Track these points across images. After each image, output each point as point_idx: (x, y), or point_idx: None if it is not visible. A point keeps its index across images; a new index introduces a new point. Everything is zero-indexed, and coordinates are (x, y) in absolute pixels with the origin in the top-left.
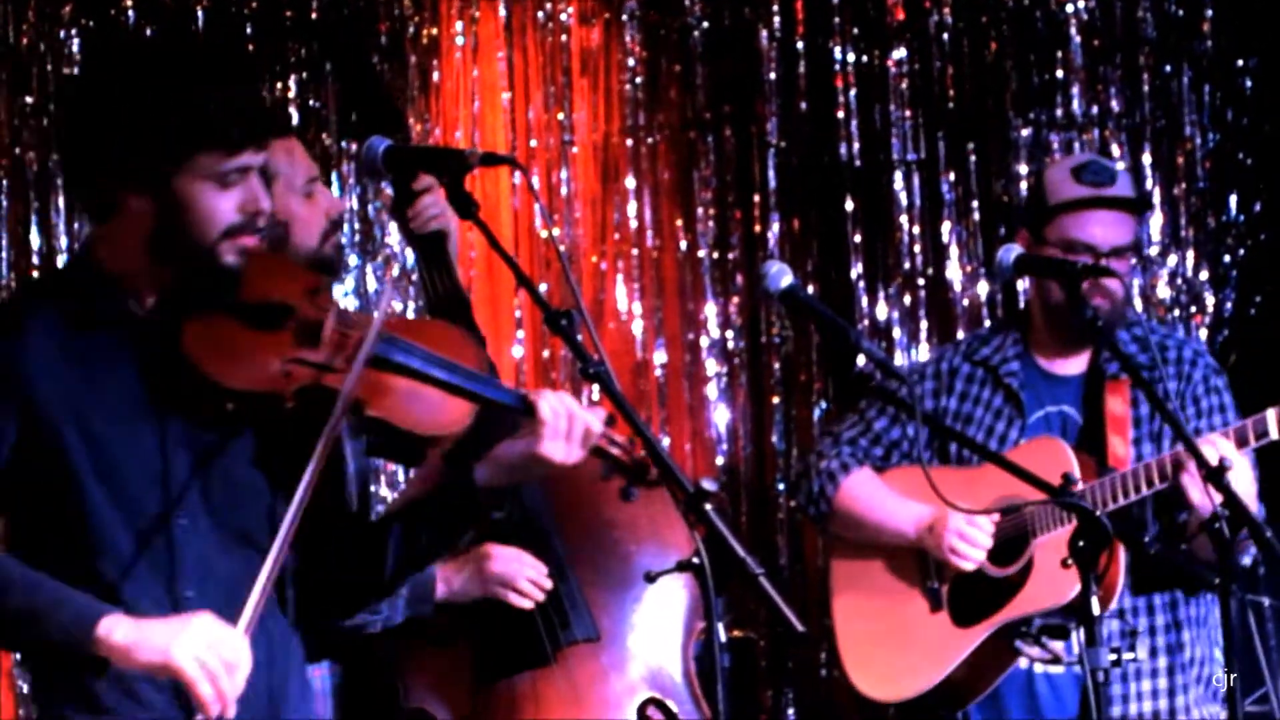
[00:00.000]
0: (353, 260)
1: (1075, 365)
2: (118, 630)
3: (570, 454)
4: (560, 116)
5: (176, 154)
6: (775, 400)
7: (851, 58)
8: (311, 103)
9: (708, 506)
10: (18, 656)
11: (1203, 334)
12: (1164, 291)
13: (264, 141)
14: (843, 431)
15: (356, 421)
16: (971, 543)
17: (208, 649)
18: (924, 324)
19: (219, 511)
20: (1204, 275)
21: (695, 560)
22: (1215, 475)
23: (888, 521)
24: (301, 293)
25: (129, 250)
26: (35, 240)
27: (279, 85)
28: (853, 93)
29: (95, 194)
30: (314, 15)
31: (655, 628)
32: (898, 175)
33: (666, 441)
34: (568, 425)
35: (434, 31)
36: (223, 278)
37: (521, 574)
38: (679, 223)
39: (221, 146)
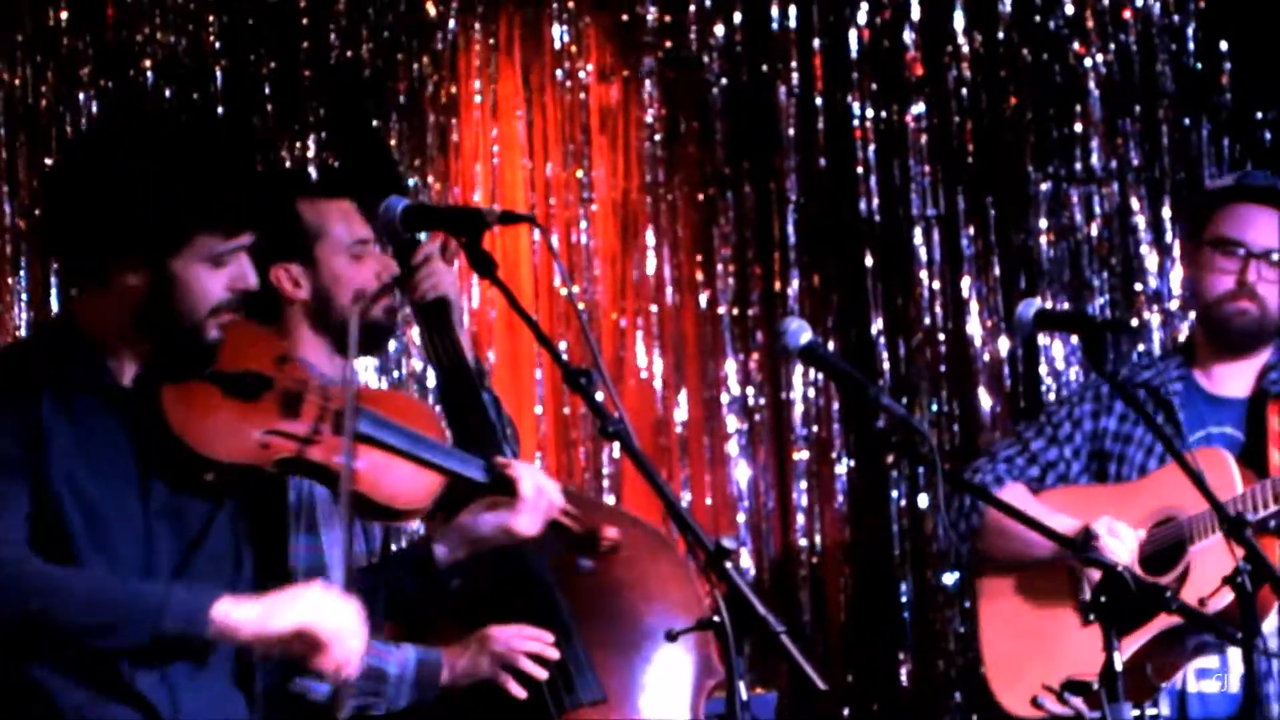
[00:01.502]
0: None
1: (1239, 387)
2: (236, 609)
3: (536, 527)
4: (579, 174)
5: (178, 236)
6: (796, 456)
7: (870, 113)
8: (331, 162)
9: (728, 564)
10: None
11: None
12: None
13: (259, 223)
14: (999, 449)
15: (334, 494)
16: (1113, 552)
17: (335, 613)
18: (944, 379)
19: (197, 582)
20: None
21: (716, 618)
22: (1235, 528)
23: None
24: (271, 362)
25: (113, 319)
26: (54, 303)
27: (298, 144)
28: (872, 148)
29: (85, 264)
30: (332, 75)
31: (665, 688)
32: (917, 230)
33: (687, 498)
34: (541, 501)
35: (453, 90)
36: (205, 350)
37: (521, 653)
38: (699, 279)
39: (222, 230)
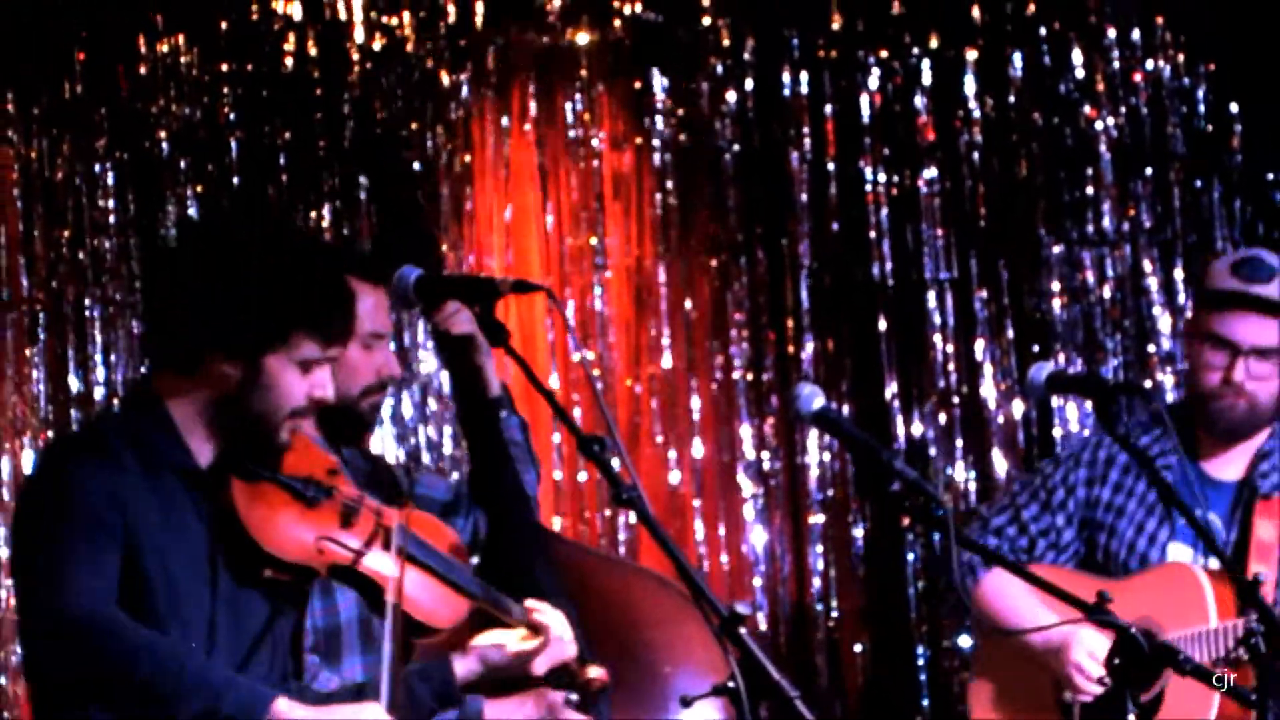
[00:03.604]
0: None
1: (1232, 469)
2: (294, 710)
3: (547, 669)
4: (593, 241)
5: (279, 333)
6: (812, 520)
7: (882, 178)
8: (345, 231)
9: (742, 630)
10: None
11: None
12: None
13: (349, 341)
14: (991, 518)
15: (372, 605)
16: (1090, 675)
17: None
18: (959, 443)
19: (252, 674)
20: None
21: (730, 684)
22: (1249, 591)
23: (1018, 628)
24: (325, 473)
25: (197, 405)
26: (72, 376)
27: (313, 214)
28: (884, 212)
29: (184, 350)
30: (346, 144)
31: None
32: (930, 294)
33: (703, 564)
34: (560, 648)
35: (467, 159)
36: (272, 450)
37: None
38: (713, 344)
39: (320, 336)
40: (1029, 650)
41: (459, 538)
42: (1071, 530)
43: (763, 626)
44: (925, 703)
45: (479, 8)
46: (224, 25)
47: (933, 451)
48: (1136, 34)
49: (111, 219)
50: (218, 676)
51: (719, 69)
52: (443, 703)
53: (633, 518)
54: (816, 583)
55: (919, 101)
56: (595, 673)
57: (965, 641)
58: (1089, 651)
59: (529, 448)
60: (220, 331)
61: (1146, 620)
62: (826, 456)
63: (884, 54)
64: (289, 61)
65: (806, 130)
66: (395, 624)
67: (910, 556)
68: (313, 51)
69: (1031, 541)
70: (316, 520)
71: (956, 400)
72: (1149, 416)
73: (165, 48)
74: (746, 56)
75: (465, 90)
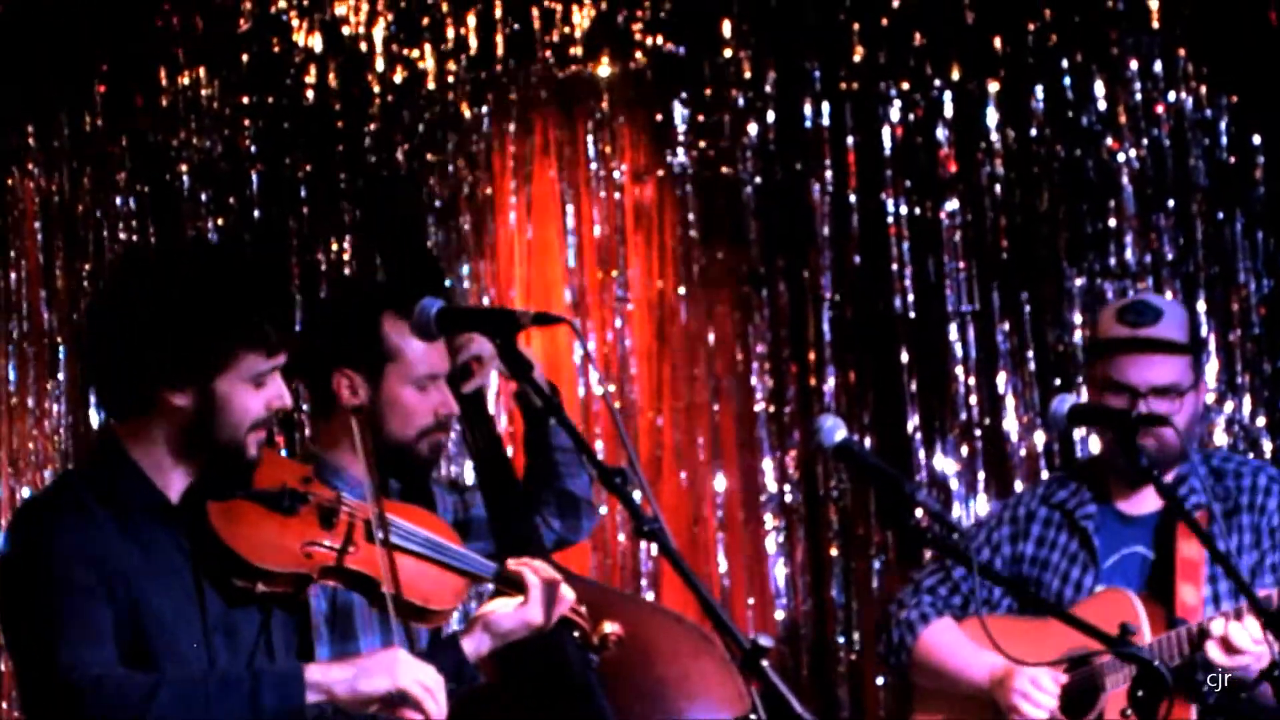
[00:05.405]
0: None
1: (1150, 503)
2: (331, 670)
3: (548, 619)
4: (614, 273)
5: (224, 356)
6: (834, 553)
7: (904, 210)
8: (366, 265)
9: (764, 663)
10: None
11: None
12: (1221, 438)
13: (290, 345)
14: (923, 579)
15: (370, 599)
16: (1035, 701)
17: (421, 674)
18: (981, 475)
19: None
20: (1261, 421)
21: (753, 717)
22: (1275, 623)
23: (963, 671)
24: (299, 481)
25: (160, 443)
26: (92, 405)
27: (334, 248)
28: (906, 244)
29: (133, 392)
30: (368, 177)
31: None
32: (952, 326)
33: (724, 596)
34: (552, 595)
35: (488, 191)
36: (242, 467)
37: None
38: (735, 377)
39: (263, 349)
40: (971, 687)
41: (437, 516)
42: (1000, 588)
43: (784, 659)
44: None
45: (500, 40)
46: (245, 57)
47: (955, 484)
48: (1158, 66)
49: None
50: (237, 675)
51: (740, 101)
52: (459, 682)
53: (654, 550)
54: (838, 615)
55: (941, 133)
56: (611, 628)
57: None
58: (1032, 679)
59: (579, 448)
60: (165, 367)
61: (1082, 646)
62: (848, 489)
63: (905, 86)
64: (310, 94)
65: (828, 162)
66: (395, 612)
67: None
68: (334, 84)
69: (965, 600)
70: (297, 527)
71: (979, 433)
72: (1063, 473)
73: (186, 80)
74: (768, 88)
75: (486, 122)
